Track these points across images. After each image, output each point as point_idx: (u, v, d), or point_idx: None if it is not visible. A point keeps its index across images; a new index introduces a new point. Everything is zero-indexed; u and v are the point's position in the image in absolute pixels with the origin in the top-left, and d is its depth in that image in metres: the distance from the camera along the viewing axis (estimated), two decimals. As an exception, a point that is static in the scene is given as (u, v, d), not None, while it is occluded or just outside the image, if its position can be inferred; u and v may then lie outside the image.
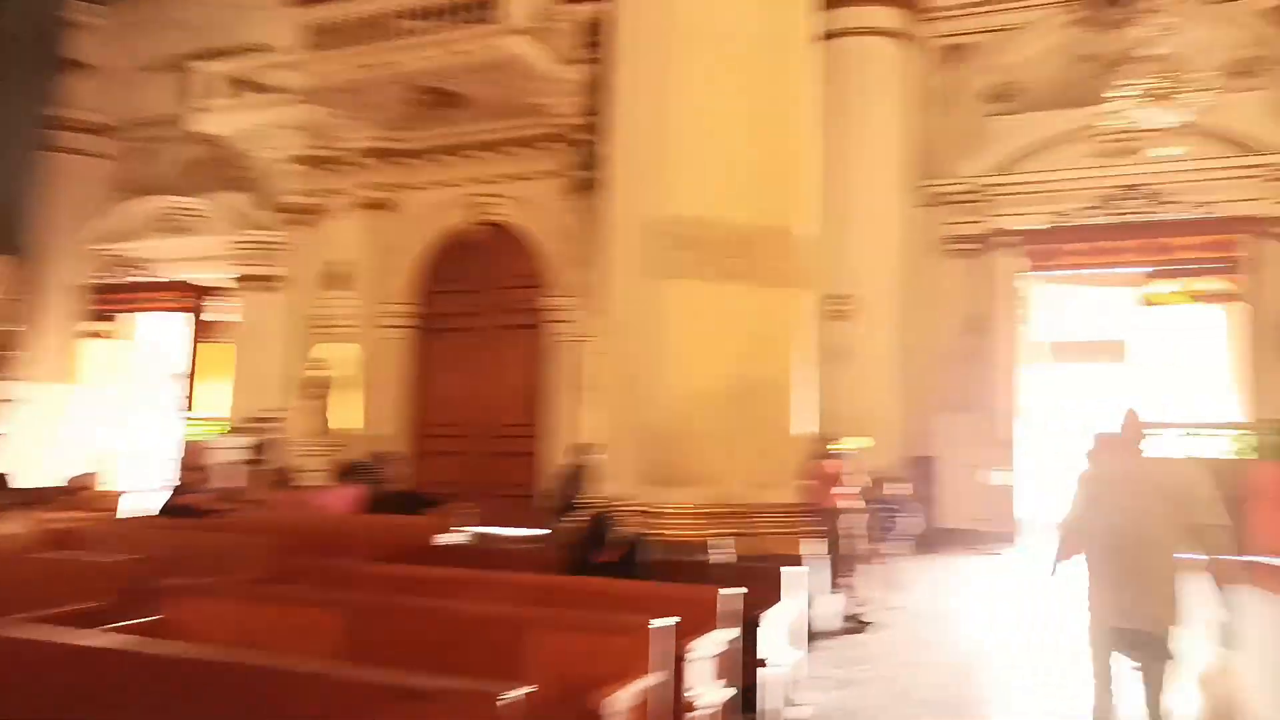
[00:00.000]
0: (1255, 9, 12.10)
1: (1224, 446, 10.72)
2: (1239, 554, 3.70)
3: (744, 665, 3.78)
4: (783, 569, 4.35)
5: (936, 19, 13.48)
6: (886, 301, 12.62)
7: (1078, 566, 3.68)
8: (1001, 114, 12.73)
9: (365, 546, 5.02)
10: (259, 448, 12.82)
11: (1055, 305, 12.97)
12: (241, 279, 15.22)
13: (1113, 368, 13.36)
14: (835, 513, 6.59)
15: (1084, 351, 13.60)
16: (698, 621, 3.50)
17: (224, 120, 14.19)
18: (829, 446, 6.87)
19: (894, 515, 7.27)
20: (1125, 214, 11.11)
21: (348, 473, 7.36)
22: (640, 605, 3.39)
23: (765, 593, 4.20)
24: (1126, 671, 3.43)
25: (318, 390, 13.67)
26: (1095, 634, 3.49)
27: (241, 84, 13.82)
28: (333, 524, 6.36)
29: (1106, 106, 12.00)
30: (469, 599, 3.81)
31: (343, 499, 6.97)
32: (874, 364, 12.42)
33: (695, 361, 6.24)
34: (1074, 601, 3.82)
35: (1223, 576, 3.30)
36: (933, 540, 10.78)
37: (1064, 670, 5.53)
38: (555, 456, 12.11)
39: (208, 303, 16.14)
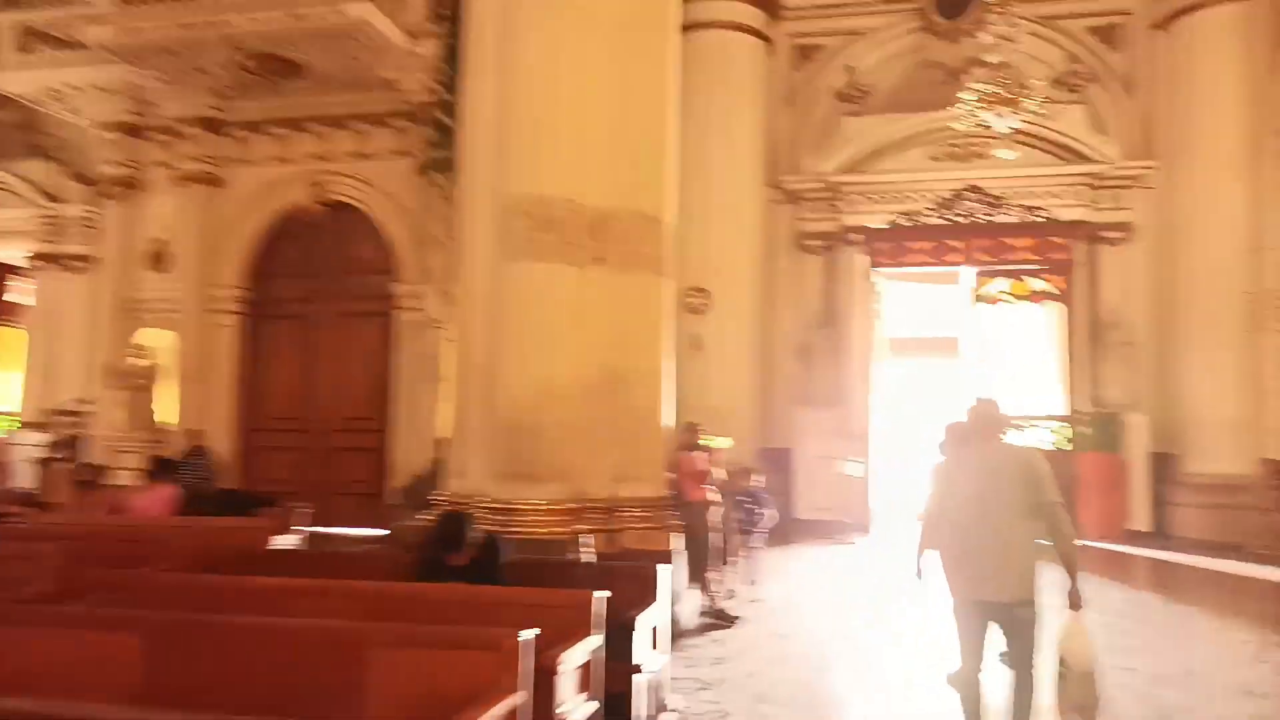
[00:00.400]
0: (1079, 26, 12.97)
1: (1048, 438, 11.39)
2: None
3: (616, 672, 3.49)
4: (658, 567, 4.07)
5: (791, 19, 13.69)
6: (742, 295, 12.70)
7: (937, 559, 3.88)
8: (853, 115, 13.06)
9: (178, 554, 4.39)
10: (61, 444, 11.48)
11: (901, 302, 13.44)
12: (36, 257, 13.62)
13: (949, 363, 14.02)
14: (701, 506, 6.43)
15: (924, 347, 14.21)
16: (569, 628, 3.19)
17: (21, 78, 12.60)
18: (698, 439, 6.71)
19: (755, 508, 7.20)
20: (963, 216, 11.63)
21: (161, 470, 6.57)
22: (504, 613, 3.05)
23: (638, 593, 3.92)
24: (992, 645, 3.69)
25: (135, 380, 12.39)
26: (960, 610, 3.71)
27: (41, 37, 12.30)
28: (139, 529, 5.60)
29: (947, 112, 12.53)
30: (302, 612, 3.34)
31: (157, 500, 6.20)
32: (729, 357, 12.48)
33: (555, 349, 5.90)
34: (927, 592, 3.98)
35: (1067, 552, 3.60)
36: (789, 532, 10.89)
37: (920, 663, 5.58)
38: (407, 451, 11.48)
39: (10, 283, 14.38)
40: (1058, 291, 11.42)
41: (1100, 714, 3.59)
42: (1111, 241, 12.48)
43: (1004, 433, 3.89)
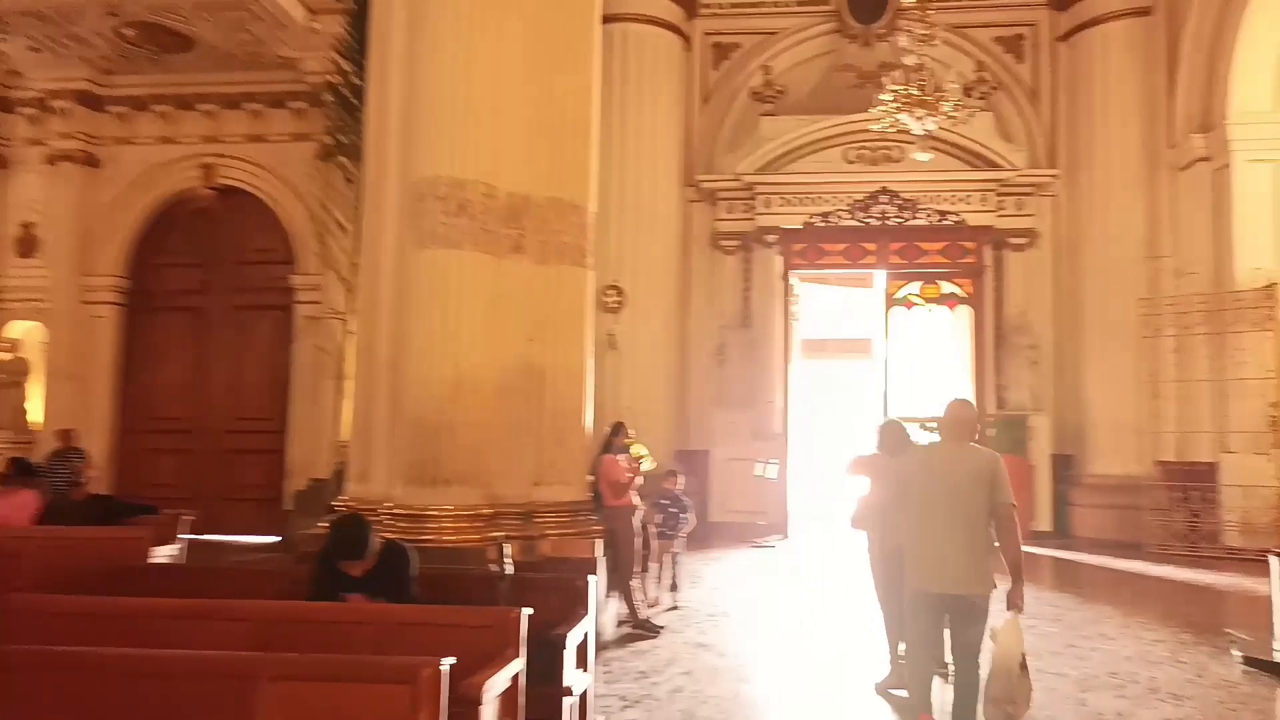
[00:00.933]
0: (987, 36, 13.25)
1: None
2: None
3: (541, 696, 3.15)
4: (589, 578, 3.73)
5: (708, 16, 13.57)
6: (658, 295, 12.48)
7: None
8: (769, 115, 13.00)
9: (35, 571, 3.83)
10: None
11: (816, 304, 13.46)
12: None
13: (863, 364, 14.12)
14: (625, 510, 6.13)
15: (839, 349, 14.27)
16: (490, 650, 2.83)
17: None
18: (625, 440, 6.40)
19: (678, 512, 6.94)
20: (877, 219, 11.70)
21: (19, 473, 5.87)
22: (417, 636, 2.69)
23: (563, 607, 3.58)
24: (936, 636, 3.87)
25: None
26: (917, 603, 3.87)
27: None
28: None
29: (863, 115, 12.60)
30: (181, 640, 2.88)
31: (13, 507, 5.52)
32: (644, 357, 12.24)
33: (468, 342, 5.50)
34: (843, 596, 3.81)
35: (1014, 553, 3.76)
36: (705, 535, 10.71)
37: (849, 671, 5.42)
38: (306, 453, 10.82)
39: None
40: (967, 295, 11.60)
41: (1030, 709, 3.79)
42: (1017, 247, 12.78)
43: (975, 435, 4.02)
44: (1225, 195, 10.63)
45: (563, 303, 5.87)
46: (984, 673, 3.77)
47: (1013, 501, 3.79)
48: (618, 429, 6.40)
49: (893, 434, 5.28)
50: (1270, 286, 10.13)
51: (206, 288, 11.85)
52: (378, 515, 5.17)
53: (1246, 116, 10.46)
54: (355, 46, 8.60)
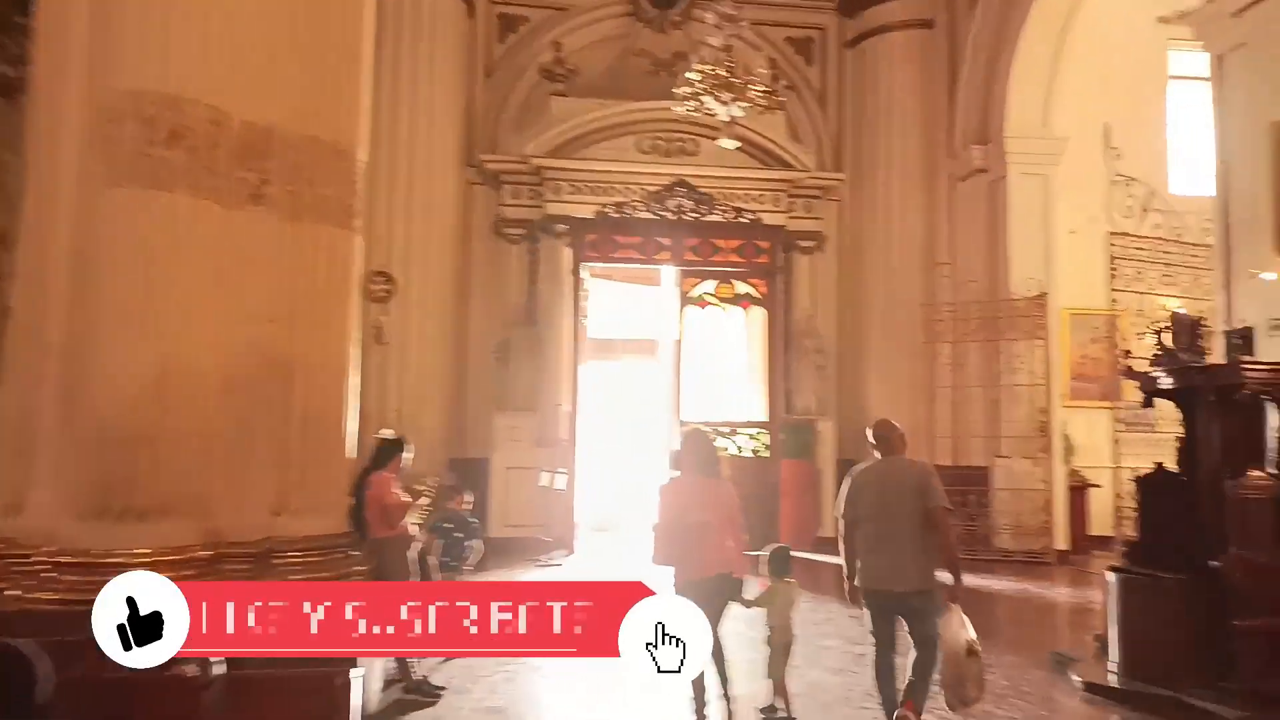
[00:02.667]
0: (779, 36, 13.07)
1: (748, 444, 11.11)
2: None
3: None
4: (351, 674, 2.48)
5: (494, -15, 12.39)
6: (433, 284, 11.08)
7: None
8: (560, 95, 12.01)
9: None
10: None
11: (608, 301, 12.62)
12: None
13: (654, 366, 13.47)
14: (399, 542, 4.81)
15: (631, 350, 13.53)
16: None
17: None
18: (401, 456, 5.06)
19: (463, 538, 5.72)
20: (673, 213, 11.04)
21: None
22: None
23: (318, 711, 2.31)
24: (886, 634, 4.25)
25: None
26: (872, 602, 4.22)
27: None
28: None
29: (658, 102, 11.96)
30: None
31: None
32: (416, 354, 10.81)
33: (183, 321, 4.02)
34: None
35: (950, 552, 4.18)
36: (486, 554, 9.53)
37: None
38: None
39: None
40: (760, 296, 11.23)
41: (983, 692, 4.07)
42: (805, 250, 12.64)
43: (904, 448, 4.47)
44: (1001, 206, 10.96)
45: (321, 274, 4.51)
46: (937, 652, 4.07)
47: (947, 505, 4.21)
48: (394, 445, 5.05)
49: (698, 450, 4.62)
50: (1041, 296, 10.51)
51: None
52: (30, 565, 3.58)
53: (1021, 130, 10.83)
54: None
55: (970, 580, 9.06)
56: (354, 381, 4.70)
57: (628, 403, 13.62)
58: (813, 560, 10.55)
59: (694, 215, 11.01)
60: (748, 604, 4.50)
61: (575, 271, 10.86)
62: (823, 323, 12.54)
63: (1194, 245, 12.27)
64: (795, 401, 12.11)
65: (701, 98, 8.72)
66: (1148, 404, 5.55)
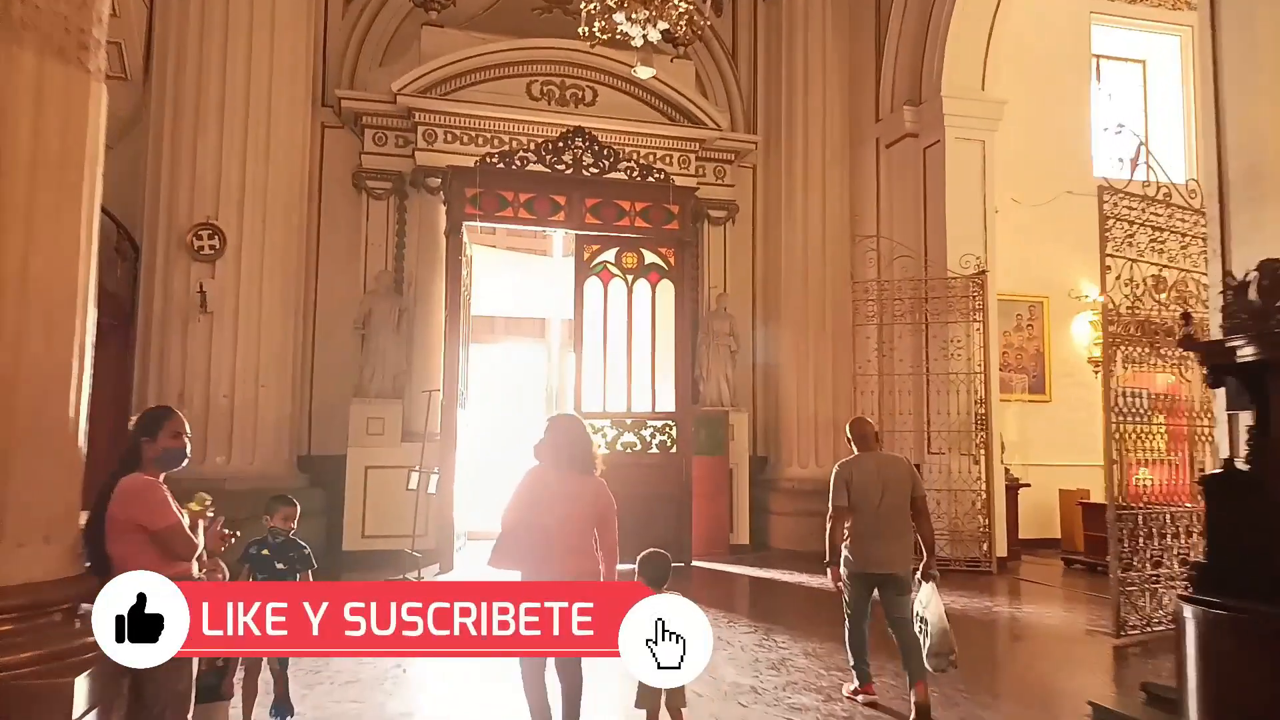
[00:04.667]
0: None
1: (657, 438, 9.60)
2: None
3: None
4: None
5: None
6: (277, 243, 9.08)
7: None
8: (435, 25, 10.17)
9: None
10: None
11: (492, 272, 10.84)
12: None
13: (543, 348, 11.78)
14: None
15: (513, 330, 11.77)
16: None
17: None
18: (164, 449, 3.16)
19: (288, 569, 3.93)
20: (570, 167, 9.38)
21: None
22: None
23: None
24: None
25: None
26: (864, 584, 4.55)
27: None
28: None
29: (552, 40, 10.30)
30: None
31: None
32: (253, 327, 8.80)
33: None
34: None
35: (929, 535, 4.61)
36: (335, 570, 7.65)
37: None
38: None
39: None
40: (669, 268, 9.73)
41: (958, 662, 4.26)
42: (717, 221, 11.27)
43: (880, 443, 4.93)
44: (935, 174, 9.86)
45: (27, 136, 2.65)
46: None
47: (925, 494, 4.73)
48: (158, 417, 3.11)
49: (563, 439, 3.78)
50: (980, 274, 9.46)
51: None
52: None
53: (959, 90, 9.75)
54: None
55: None
56: (90, 321, 2.84)
57: (515, 391, 11.89)
58: (724, 572, 9.17)
59: (594, 171, 9.39)
60: None
61: (453, 233, 9.05)
62: (735, 302, 11.19)
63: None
64: (706, 390, 10.70)
65: (613, 15, 7.11)
66: (1216, 384, 4.30)
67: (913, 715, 4.24)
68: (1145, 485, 7.08)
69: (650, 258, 9.76)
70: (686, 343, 9.80)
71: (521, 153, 9.28)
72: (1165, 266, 6.92)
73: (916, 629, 4.28)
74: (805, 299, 10.85)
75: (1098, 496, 11.33)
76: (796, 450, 10.78)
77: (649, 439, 9.54)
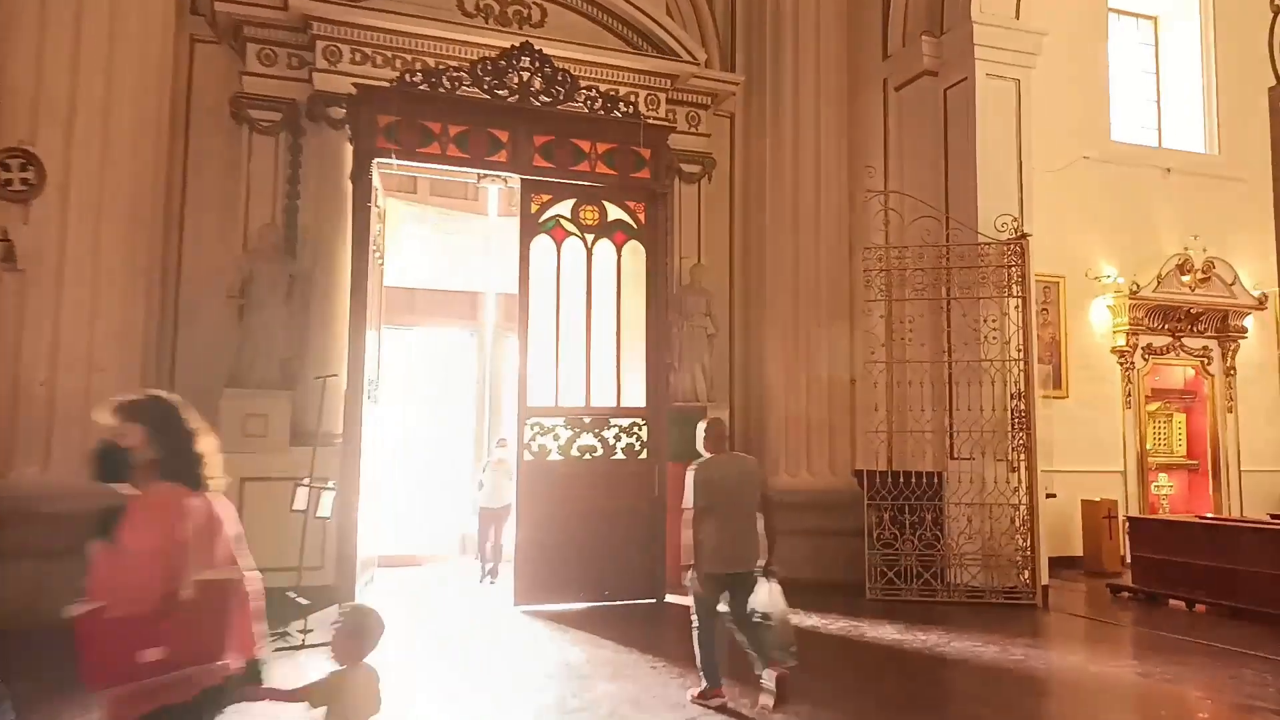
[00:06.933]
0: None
1: (624, 440, 7.62)
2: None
3: None
4: None
5: None
6: (123, 182, 6.86)
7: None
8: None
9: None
10: None
11: (410, 233, 8.70)
12: None
13: (474, 331, 9.68)
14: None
15: (437, 308, 9.61)
16: None
17: None
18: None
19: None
20: (513, 94, 7.30)
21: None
22: None
23: None
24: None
25: None
26: (717, 583, 4.47)
27: None
28: None
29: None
30: None
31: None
32: (84, 288, 6.57)
33: None
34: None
35: (773, 534, 4.51)
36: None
37: None
38: None
39: None
40: (638, 227, 7.77)
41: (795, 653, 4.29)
42: (690, 177, 9.34)
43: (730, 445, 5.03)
44: (963, 119, 8.10)
45: None
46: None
47: (770, 493, 4.67)
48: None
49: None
50: (1020, 238, 7.73)
51: None
52: None
53: (990, 18, 8.01)
54: None
55: (925, 639, 6.13)
56: None
57: (441, 384, 9.80)
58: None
59: (546, 100, 7.35)
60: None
61: (360, 174, 6.91)
62: (713, 276, 9.29)
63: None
64: (677, 382, 8.77)
65: None
66: None
67: (774, 693, 4.26)
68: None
69: (615, 212, 7.77)
70: (660, 321, 7.83)
71: (453, 72, 7.18)
72: None
73: (763, 624, 4.36)
74: (795, 271, 9.00)
75: (1123, 507, 9.91)
76: (784, 455, 8.93)
77: (613, 441, 7.57)
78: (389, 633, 2.59)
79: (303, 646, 5.61)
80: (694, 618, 4.54)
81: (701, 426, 4.75)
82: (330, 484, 6.29)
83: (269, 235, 7.57)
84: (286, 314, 7.46)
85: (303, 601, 5.83)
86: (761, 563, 4.44)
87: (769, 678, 4.27)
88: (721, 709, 4.43)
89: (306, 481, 6.15)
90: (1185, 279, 10.60)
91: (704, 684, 4.54)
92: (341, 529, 6.64)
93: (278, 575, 6.27)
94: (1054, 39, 8.65)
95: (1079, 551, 9.60)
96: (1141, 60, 11.64)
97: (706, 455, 4.65)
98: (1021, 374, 7.66)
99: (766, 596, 4.37)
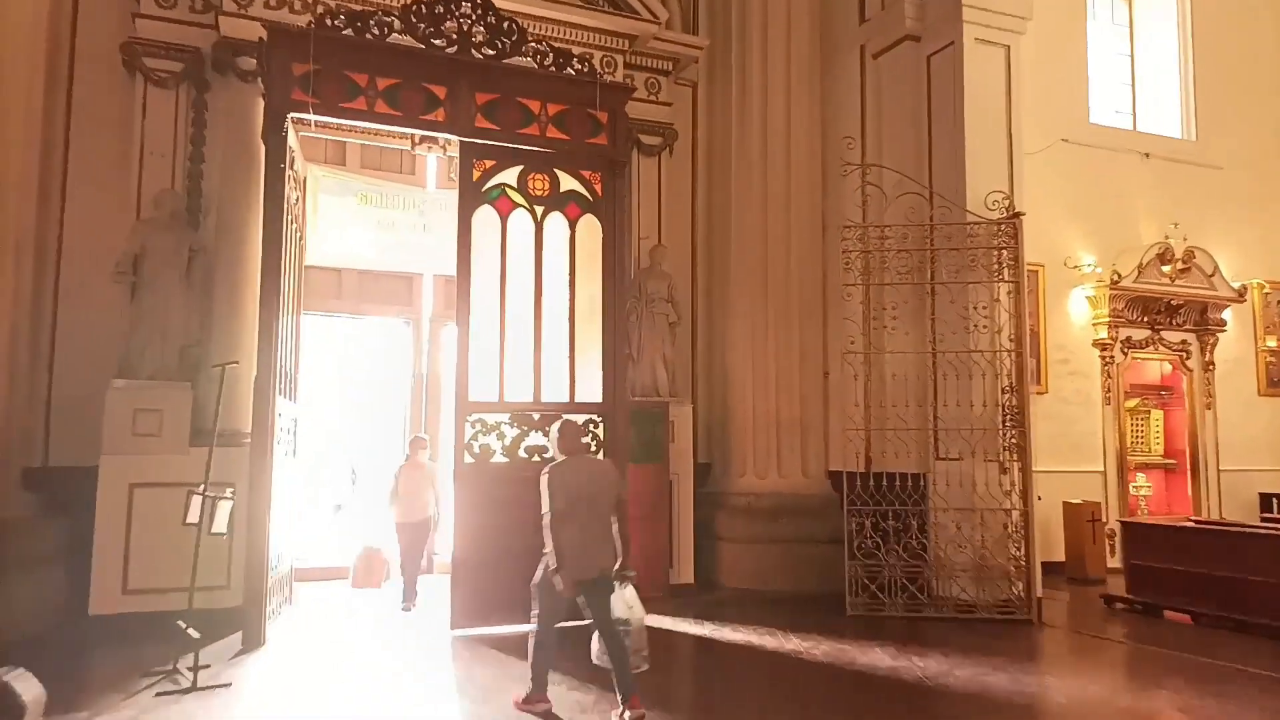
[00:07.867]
0: None
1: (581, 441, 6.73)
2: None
3: None
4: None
5: None
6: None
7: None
8: None
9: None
10: None
11: (337, 205, 7.72)
12: None
13: (409, 319, 8.71)
14: None
15: (371, 291, 8.61)
16: None
17: None
18: None
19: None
20: (451, 43, 6.37)
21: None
22: None
23: None
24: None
25: None
26: (567, 587, 4.26)
27: None
28: None
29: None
30: None
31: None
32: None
33: None
34: None
35: (627, 538, 4.48)
36: (77, 647, 4.45)
37: None
38: None
39: None
40: (594, 199, 6.91)
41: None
42: (649, 150, 8.52)
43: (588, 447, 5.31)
44: (948, 88, 7.41)
45: None
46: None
47: (626, 497, 4.61)
48: None
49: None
50: (1013, 217, 7.06)
51: None
52: None
53: (981, -23, 7.33)
54: None
55: (924, 667, 5.40)
56: None
57: (370, 378, 8.84)
58: (665, 631, 6.38)
59: (490, 52, 6.44)
60: None
61: (273, 130, 5.93)
62: (674, 259, 8.48)
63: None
64: (637, 375, 7.94)
65: None
66: None
67: None
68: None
69: (568, 182, 6.89)
70: (619, 306, 6.96)
71: (381, 16, 6.23)
72: None
73: (621, 629, 4.30)
74: (764, 253, 8.25)
75: (1105, 510, 9.37)
76: (752, 455, 8.17)
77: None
78: (292, 673, 1.72)
79: (194, 689, 4.64)
80: (533, 619, 4.46)
81: (555, 428, 4.69)
82: (229, 493, 5.32)
83: (166, 202, 6.52)
84: (186, 293, 6.43)
85: (193, 634, 4.85)
86: (617, 566, 4.38)
87: (627, 711, 4.15)
88: (546, 715, 4.36)
89: (199, 490, 5.16)
90: (1166, 269, 10.09)
91: (531, 688, 4.44)
92: (251, 543, 5.67)
93: (179, 596, 5.32)
94: (1033, 16, 8.03)
95: (1061, 557, 9.02)
96: (1117, 43, 11.14)
97: (561, 458, 4.51)
98: (1014, 366, 7.00)
99: (624, 602, 4.36)
